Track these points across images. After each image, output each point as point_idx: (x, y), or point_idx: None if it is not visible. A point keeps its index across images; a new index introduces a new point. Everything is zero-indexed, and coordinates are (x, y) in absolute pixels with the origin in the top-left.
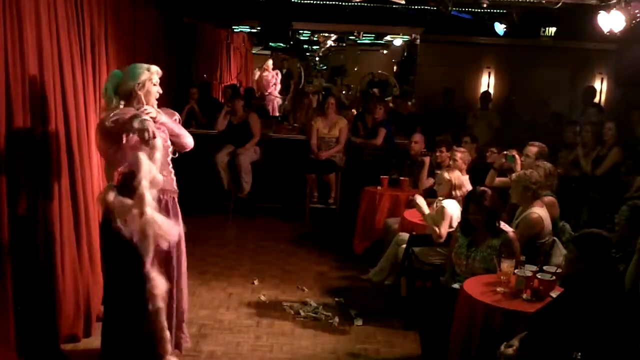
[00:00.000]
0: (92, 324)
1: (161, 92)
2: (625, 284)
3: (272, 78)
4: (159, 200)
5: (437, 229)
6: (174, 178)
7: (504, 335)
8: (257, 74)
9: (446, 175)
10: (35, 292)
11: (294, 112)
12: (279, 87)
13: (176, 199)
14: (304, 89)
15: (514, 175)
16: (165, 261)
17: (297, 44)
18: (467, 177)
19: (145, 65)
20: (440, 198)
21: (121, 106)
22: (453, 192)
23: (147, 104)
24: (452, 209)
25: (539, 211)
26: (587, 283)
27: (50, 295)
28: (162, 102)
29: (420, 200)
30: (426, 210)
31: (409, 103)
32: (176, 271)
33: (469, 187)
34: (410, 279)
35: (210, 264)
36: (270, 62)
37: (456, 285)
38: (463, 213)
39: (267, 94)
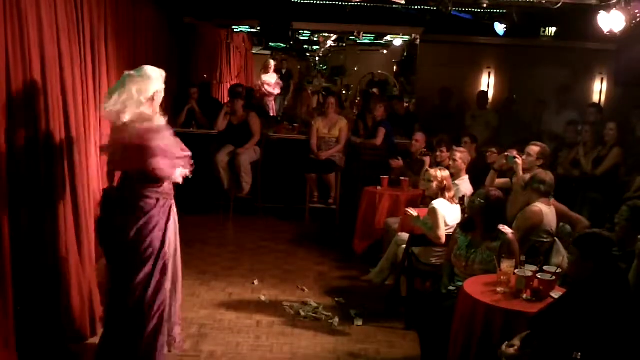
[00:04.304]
0: (97, 323)
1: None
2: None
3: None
4: (156, 203)
5: (433, 233)
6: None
7: (504, 335)
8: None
9: (438, 173)
10: (39, 292)
11: (293, 109)
12: (277, 90)
13: (173, 202)
14: (302, 86)
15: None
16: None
17: (297, 44)
18: (466, 177)
19: (159, 71)
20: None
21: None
22: (444, 193)
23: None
24: (443, 209)
25: (541, 206)
26: (590, 283)
27: (55, 295)
28: (163, 102)
29: (411, 211)
30: (420, 219)
31: (405, 104)
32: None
33: (467, 187)
34: (410, 279)
35: (210, 264)
36: (272, 62)
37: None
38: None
39: (265, 92)
